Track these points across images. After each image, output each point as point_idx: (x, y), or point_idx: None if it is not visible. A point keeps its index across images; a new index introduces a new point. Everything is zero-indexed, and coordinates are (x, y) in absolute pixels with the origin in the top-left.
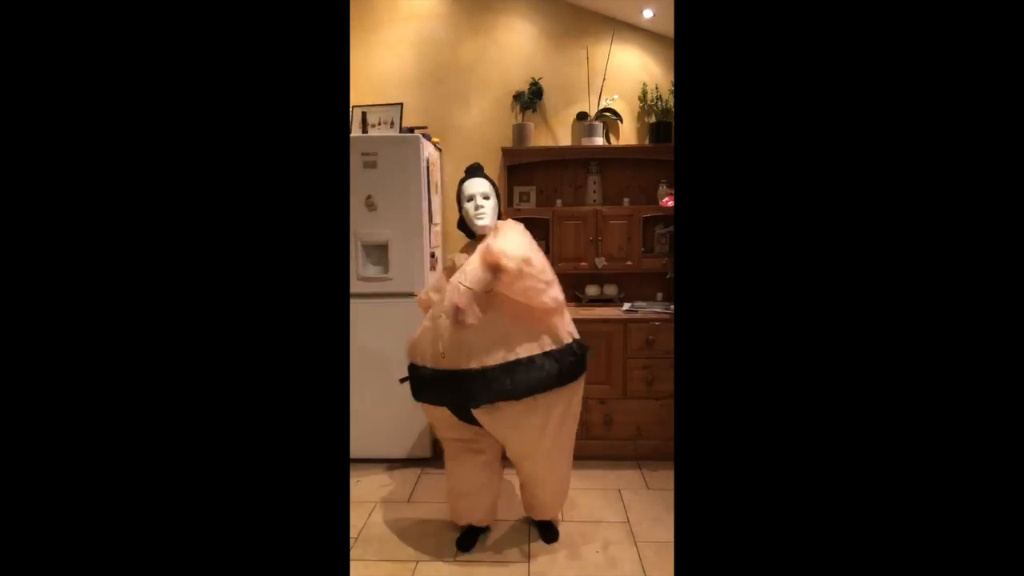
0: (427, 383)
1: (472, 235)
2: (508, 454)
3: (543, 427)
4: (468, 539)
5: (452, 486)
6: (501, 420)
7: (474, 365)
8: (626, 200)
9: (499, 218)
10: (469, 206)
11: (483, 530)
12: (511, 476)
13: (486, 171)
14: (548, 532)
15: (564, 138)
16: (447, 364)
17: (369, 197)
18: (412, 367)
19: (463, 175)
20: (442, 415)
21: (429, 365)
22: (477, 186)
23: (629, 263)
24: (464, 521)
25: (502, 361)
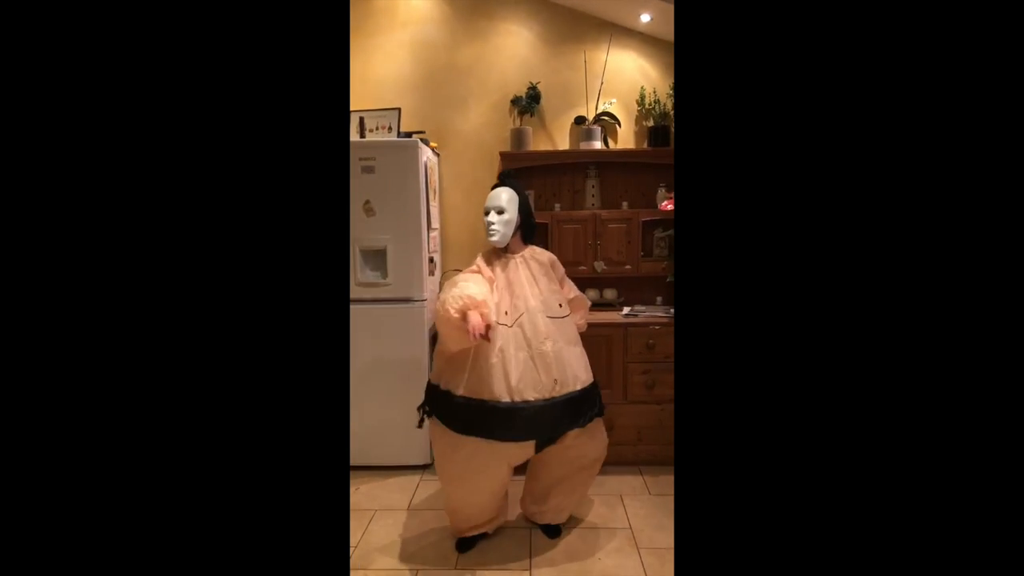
0: (533, 417)
1: (527, 239)
2: (559, 467)
3: (603, 437)
4: (471, 542)
5: (470, 503)
6: (584, 434)
7: (580, 386)
8: (625, 204)
9: (524, 227)
10: (486, 219)
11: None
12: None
13: (487, 175)
14: (551, 528)
15: (562, 142)
16: (559, 390)
17: (367, 202)
18: (509, 408)
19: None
20: (517, 452)
21: (536, 398)
22: (494, 198)
23: (628, 267)
24: (475, 532)
25: (592, 378)
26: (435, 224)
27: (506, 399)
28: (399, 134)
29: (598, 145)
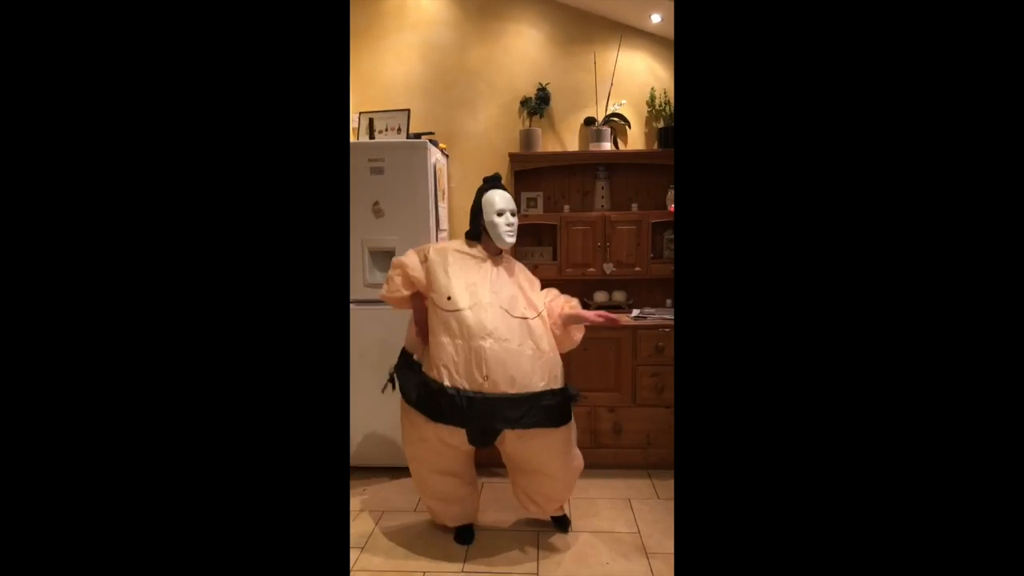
0: (462, 406)
1: (476, 236)
2: (518, 467)
3: (565, 451)
4: (467, 533)
5: (440, 494)
6: (529, 443)
7: (513, 390)
8: (634, 205)
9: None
10: (500, 220)
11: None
12: (505, 483)
13: (493, 177)
14: (561, 522)
15: (572, 143)
16: (488, 388)
17: (376, 203)
18: (440, 389)
19: (484, 184)
20: (448, 437)
21: (467, 388)
22: (507, 201)
23: (638, 269)
24: (457, 523)
25: (544, 388)
26: (444, 225)
27: (438, 381)
28: (408, 135)
29: (608, 146)
